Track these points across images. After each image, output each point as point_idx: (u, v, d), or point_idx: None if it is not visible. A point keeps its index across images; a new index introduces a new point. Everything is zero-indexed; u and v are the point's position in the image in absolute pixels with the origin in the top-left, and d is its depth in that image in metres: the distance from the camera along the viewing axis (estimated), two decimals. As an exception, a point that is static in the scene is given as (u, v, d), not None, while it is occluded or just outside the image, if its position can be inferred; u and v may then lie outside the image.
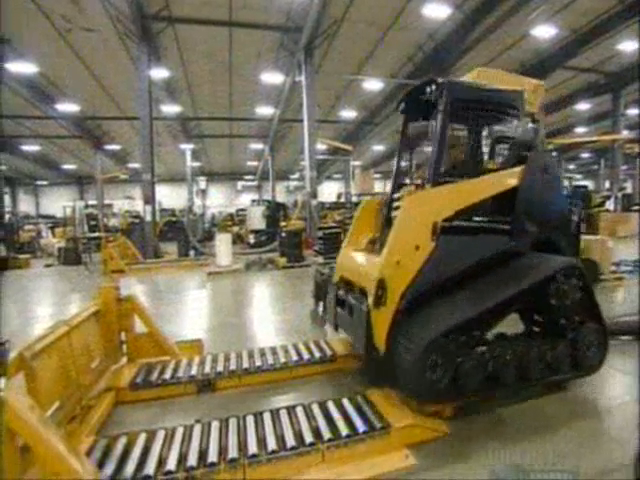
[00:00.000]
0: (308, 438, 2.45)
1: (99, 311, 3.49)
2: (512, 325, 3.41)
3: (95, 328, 3.39)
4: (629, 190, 23.38)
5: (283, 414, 2.74)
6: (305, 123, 13.37)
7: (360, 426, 2.56)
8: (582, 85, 18.82)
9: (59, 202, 24.25)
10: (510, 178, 3.20)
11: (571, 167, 35.74)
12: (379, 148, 27.46)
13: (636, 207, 17.39)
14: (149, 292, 8.53)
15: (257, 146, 26.66)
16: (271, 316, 6.11)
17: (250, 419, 2.68)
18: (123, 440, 2.50)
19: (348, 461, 2.39)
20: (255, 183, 34.81)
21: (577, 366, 3.12)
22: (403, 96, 3.74)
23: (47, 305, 7.74)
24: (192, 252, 13.52)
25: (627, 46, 14.39)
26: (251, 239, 16.91)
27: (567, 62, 15.56)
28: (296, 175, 32.49)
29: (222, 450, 2.36)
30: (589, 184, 31.92)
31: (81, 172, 30.67)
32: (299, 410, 2.78)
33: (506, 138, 3.52)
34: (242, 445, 2.40)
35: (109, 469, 2.23)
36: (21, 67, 13.21)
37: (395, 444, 2.52)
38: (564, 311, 3.04)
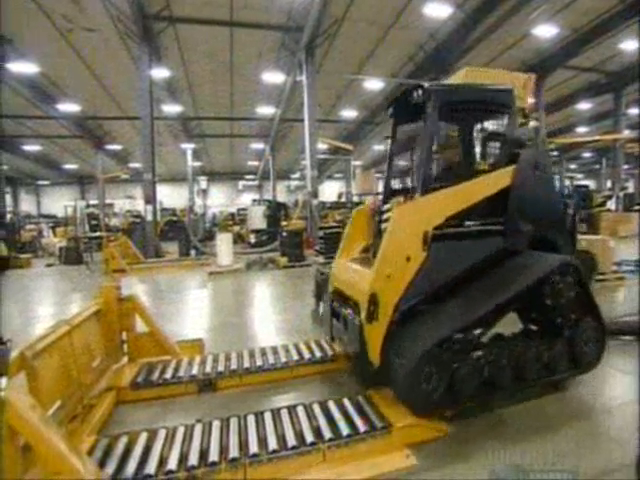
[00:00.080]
0: (309, 438, 2.45)
1: (100, 310, 3.49)
2: (510, 324, 3.40)
3: (96, 327, 3.40)
4: (631, 190, 23.33)
5: (284, 414, 2.74)
6: (306, 123, 13.37)
7: (361, 426, 2.56)
8: (583, 84, 18.80)
9: (60, 202, 24.29)
10: (501, 179, 3.16)
11: (572, 167, 35.67)
12: (380, 148, 27.43)
13: (637, 207, 17.34)
14: (150, 292, 8.54)
15: (258, 146, 26.67)
16: (272, 316, 6.12)
17: (251, 419, 2.68)
18: (124, 439, 2.50)
19: (349, 461, 2.39)
20: (256, 183, 34.81)
21: (575, 363, 3.12)
22: (391, 100, 3.72)
23: (48, 305, 7.75)
24: (193, 252, 13.53)
25: (628, 45, 14.37)
26: (252, 239, 16.93)
27: (568, 61, 15.55)
28: (297, 175, 32.45)
29: (223, 450, 2.37)
30: (590, 184, 31.86)
31: (82, 172, 30.71)
32: (300, 410, 2.78)
33: (497, 136, 3.46)
34: (243, 445, 2.41)
35: (110, 468, 2.23)
36: (22, 67, 13.23)
37: (396, 444, 2.52)
38: (560, 310, 3.03)
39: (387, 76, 16.04)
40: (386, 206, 3.51)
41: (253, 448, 2.36)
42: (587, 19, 13.26)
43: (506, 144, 3.32)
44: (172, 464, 2.24)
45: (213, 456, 2.30)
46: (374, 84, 16.83)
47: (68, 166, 29.74)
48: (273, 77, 15.40)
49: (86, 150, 23.91)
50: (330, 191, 32.64)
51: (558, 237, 3.36)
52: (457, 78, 3.59)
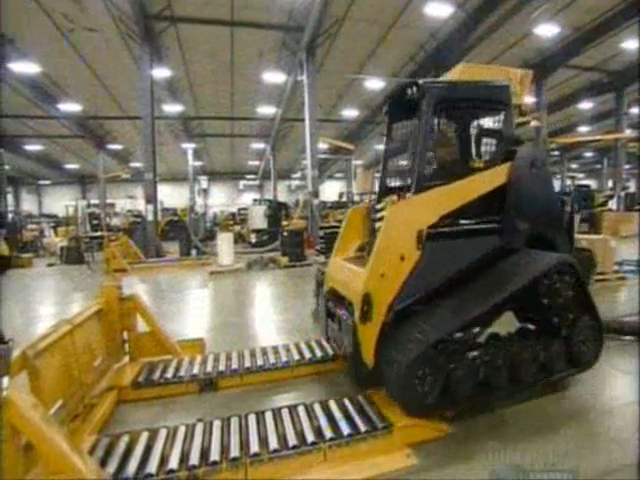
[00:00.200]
0: (310, 437, 2.45)
1: (101, 310, 3.50)
2: (507, 323, 3.39)
3: (97, 327, 3.41)
4: (632, 189, 23.27)
5: (285, 413, 2.74)
6: (307, 122, 13.37)
7: (362, 425, 2.56)
8: (585, 84, 18.76)
9: (62, 201, 24.32)
10: (497, 176, 3.13)
11: (574, 166, 35.62)
12: (381, 147, 27.40)
13: (638, 207, 17.30)
14: (151, 291, 8.55)
15: (259, 145, 26.67)
16: (273, 315, 6.12)
17: (252, 418, 2.68)
18: (125, 439, 2.51)
19: (350, 460, 2.39)
20: (257, 182, 34.83)
21: (572, 363, 3.10)
22: (386, 98, 3.70)
23: (50, 304, 7.77)
24: (194, 251, 13.55)
25: (630, 44, 14.32)
26: (253, 238, 16.94)
27: (570, 61, 15.51)
28: (298, 174, 32.45)
29: (224, 449, 2.37)
30: (592, 183, 31.80)
31: (83, 171, 30.77)
32: (301, 409, 2.78)
33: (493, 133, 3.42)
34: (244, 444, 2.41)
35: (111, 467, 2.24)
36: (24, 67, 13.25)
37: (397, 444, 2.52)
38: (557, 309, 3.01)
39: (388, 76, 16.02)
40: (380, 204, 3.49)
41: (254, 448, 2.36)
42: (589, 18, 13.22)
43: (502, 141, 3.29)
44: (173, 463, 2.24)
45: (214, 455, 2.30)
46: (375, 84, 16.81)
47: (69, 166, 29.80)
48: (274, 77, 15.39)
49: (87, 150, 23.95)
50: (331, 191, 32.65)
51: (555, 235, 3.32)
52: (454, 74, 3.57)
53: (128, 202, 28.45)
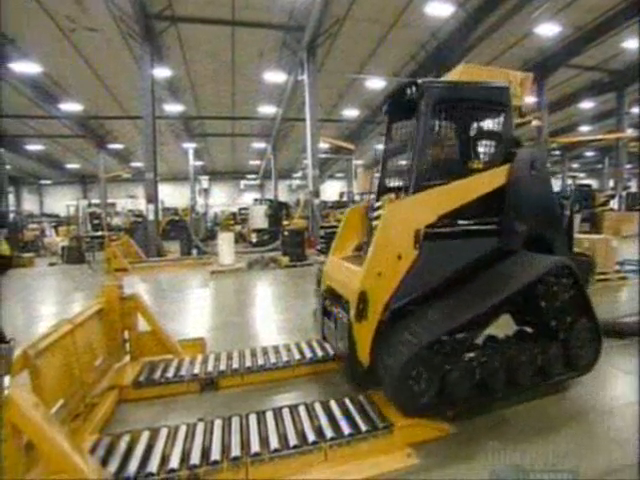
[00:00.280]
0: (311, 437, 2.45)
1: (102, 309, 3.51)
2: (505, 325, 3.38)
3: (98, 326, 3.41)
4: (633, 189, 23.23)
5: (286, 413, 2.74)
6: (307, 122, 13.36)
7: (362, 425, 2.56)
8: (586, 83, 18.73)
9: (63, 201, 24.38)
10: (496, 177, 3.12)
11: (575, 166, 35.56)
12: (381, 147, 27.38)
13: (639, 206, 17.27)
14: (152, 291, 8.56)
15: (259, 145, 26.67)
16: (273, 315, 6.12)
17: (253, 418, 2.69)
18: (126, 438, 2.51)
19: (351, 460, 2.39)
20: (257, 182, 34.84)
21: (570, 366, 3.08)
22: (386, 98, 3.69)
23: (51, 304, 7.78)
24: (195, 251, 13.56)
25: (631, 44, 14.29)
26: (253, 238, 16.95)
27: (571, 60, 15.48)
28: (298, 174, 32.46)
29: (225, 448, 2.37)
30: (593, 183, 31.73)
31: (84, 171, 30.80)
32: (301, 409, 2.78)
33: (493, 134, 3.41)
34: (245, 444, 2.41)
35: (112, 467, 2.24)
36: (25, 67, 13.27)
37: (397, 443, 2.52)
38: (555, 312, 2.98)
39: (389, 75, 16.01)
40: (378, 203, 3.48)
41: (255, 447, 2.37)
42: (590, 17, 13.19)
43: (502, 142, 3.28)
44: (174, 463, 2.24)
45: (215, 455, 2.30)
46: (376, 83, 16.80)
47: (70, 165, 29.83)
48: (275, 76, 15.39)
49: (88, 149, 23.98)
50: (332, 190, 32.64)
51: (554, 237, 3.31)
52: (454, 75, 3.55)
53: (129, 202, 28.44)
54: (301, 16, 11.89)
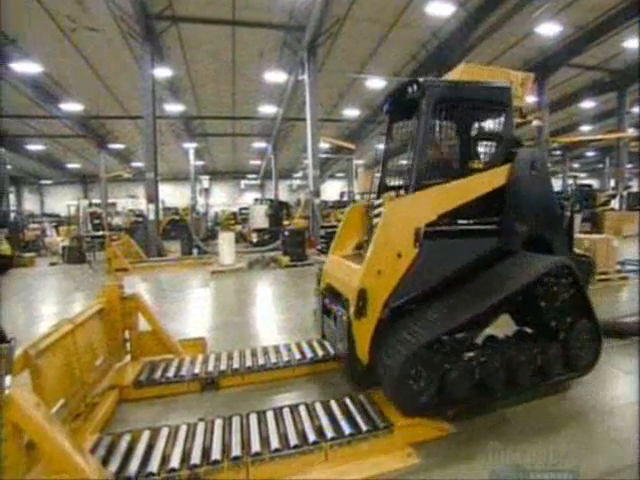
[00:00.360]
0: (311, 437, 2.45)
1: (103, 309, 3.51)
2: (504, 325, 3.38)
3: (99, 326, 3.41)
4: (635, 189, 23.22)
5: (286, 413, 2.74)
6: (308, 122, 13.36)
7: (363, 425, 2.56)
8: (587, 83, 18.70)
9: (63, 201, 24.41)
10: (496, 177, 3.13)
11: (576, 165, 35.51)
12: (382, 147, 27.35)
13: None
14: (153, 290, 8.57)
15: (260, 145, 26.68)
16: (274, 315, 6.13)
17: (253, 417, 2.69)
18: (127, 438, 2.51)
19: (351, 460, 2.39)
20: (258, 182, 34.86)
21: (570, 367, 3.07)
22: (387, 96, 3.68)
23: (52, 303, 7.79)
24: (195, 251, 13.57)
25: (633, 43, 14.25)
26: (254, 238, 16.95)
27: (572, 60, 15.46)
28: (299, 174, 32.46)
29: (225, 448, 2.37)
30: (594, 183, 31.69)
31: (85, 171, 30.82)
32: (302, 409, 2.78)
33: (493, 134, 3.41)
34: (245, 443, 2.41)
35: (113, 466, 2.24)
36: (26, 67, 13.29)
37: (398, 443, 2.52)
38: (554, 312, 2.97)
39: (389, 75, 16.00)
40: (378, 201, 3.48)
41: (255, 447, 2.37)
42: (592, 16, 13.17)
43: (502, 142, 3.28)
44: (175, 462, 2.25)
45: (215, 455, 2.30)
46: (376, 83, 16.79)
47: (71, 165, 29.85)
48: (275, 76, 15.39)
49: (89, 149, 24.00)
50: (332, 190, 32.63)
51: (554, 238, 3.30)
52: (455, 74, 3.55)
53: (130, 201, 28.44)
54: (301, 16, 11.88)
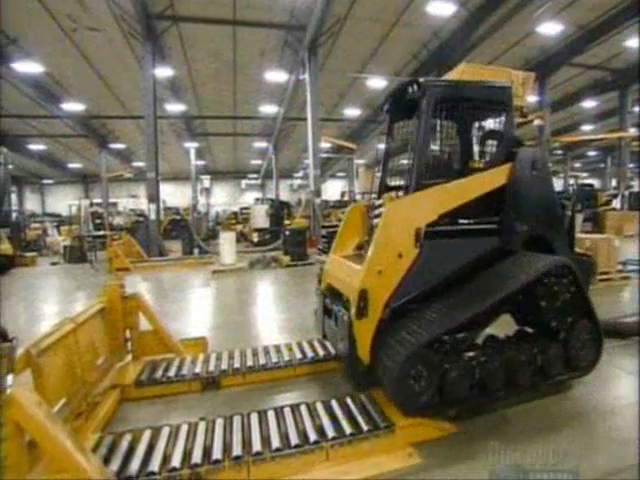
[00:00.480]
0: (312, 436, 2.45)
1: (104, 309, 3.51)
2: (506, 324, 3.37)
3: (100, 326, 3.42)
4: (636, 188, 23.14)
5: (287, 412, 2.74)
6: (309, 121, 13.35)
7: (364, 425, 2.56)
8: (588, 82, 18.66)
9: (65, 201, 24.46)
10: (497, 177, 3.12)
11: (577, 165, 35.45)
12: (383, 146, 27.33)
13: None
14: (154, 290, 8.58)
15: (261, 144, 26.69)
16: (275, 314, 6.13)
17: (254, 417, 2.69)
18: (128, 437, 2.52)
19: (352, 459, 2.39)
20: (259, 182, 34.86)
21: (570, 367, 3.06)
22: (387, 96, 3.68)
23: (53, 303, 7.81)
24: (196, 250, 13.58)
25: (634, 43, 14.21)
26: (255, 237, 16.95)
27: (573, 59, 15.42)
28: (300, 173, 32.48)
29: (226, 447, 2.37)
30: (595, 182, 31.64)
31: (86, 171, 30.87)
32: (303, 408, 2.78)
33: (494, 134, 3.40)
34: (246, 443, 2.41)
35: (114, 465, 2.24)
36: (27, 67, 13.32)
37: (399, 443, 2.52)
38: (555, 312, 2.96)
39: (390, 74, 15.98)
40: (378, 201, 3.48)
41: (256, 446, 2.37)
42: (593, 15, 13.14)
43: (503, 142, 3.27)
44: (176, 462, 2.25)
45: (216, 454, 2.30)
46: (377, 82, 16.78)
47: (72, 165, 29.90)
48: (276, 76, 15.40)
49: (90, 149, 24.05)
50: (333, 190, 32.62)
51: (555, 238, 3.29)
52: (455, 74, 3.55)
53: (131, 201, 28.52)
54: (302, 15, 11.88)
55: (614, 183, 24.27)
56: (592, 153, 32.68)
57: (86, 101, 17.57)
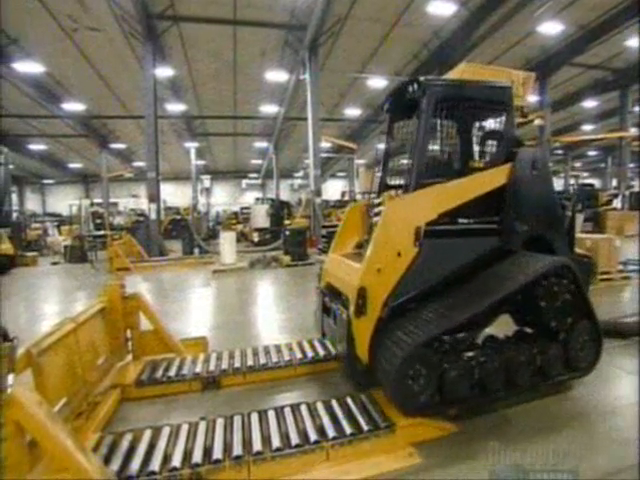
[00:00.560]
0: (312, 436, 2.45)
1: (105, 308, 3.52)
2: (506, 324, 3.37)
3: (101, 325, 3.42)
4: (637, 188, 23.11)
5: (287, 412, 2.74)
6: (309, 121, 13.35)
7: (364, 424, 2.56)
8: (589, 82, 18.64)
9: (65, 200, 24.47)
10: (497, 177, 3.12)
11: (578, 165, 35.42)
12: (383, 146, 27.31)
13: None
14: (154, 290, 8.58)
15: (261, 144, 26.69)
16: (275, 314, 6.13)
17: (254, 417, 2.69)
18: (129, 437, 2.52)
19: (352, 459, 2.39)
20: (259, 181, 34.86)
21: (570, 367, 3.06)
22: (387, 96, 3.68)
23: (54, 302, 7.81)
24: (197, 250, 13.59)
25: (635, 42, 14.19)
26: (255, 237, 16.96)
27: (574, 59, 15.40)
28: (300, 173, 32.47)
29: (227, 447, 2.38)
30: (596, 182, 31.61)
31: (87, 171, 30.90)
32: (303, 408, 2.78)
33: (494, 134, 3.39)
34: (247, 442, 2.42)
35: (115, 465, 2.25)
36: (28, 67, 13.34)
37: (399, 443, 2.52)
38: (554, 312, 2.95)
39: (391, 74, 15.98)
40: (378, 200, 3.47)
41: (257, 446, 2.37)
42: (594, 15, 13.12)
43: (503, 142, 3.27)
44: (176, 461, 2.25)
45: (217, 454, 2.31)
46: (378, 82, 16.77)
47: (73, 165, 29.93)
48: (276, 76, 15.40)
49: (91, 149, 24.07)
50: (333, 190, 32.59)
51: (555, 238, 3.29)
52: (455, 74, 3.55)
53: (131, 201, 28.51)
54: (303, 15, 11.88)
55: (615, 183, 24.24)
56: (593, 153, 32.65)
57: (87, 101, 17.58)
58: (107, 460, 2.28)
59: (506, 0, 11.34)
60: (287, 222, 15.05)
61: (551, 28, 13.40)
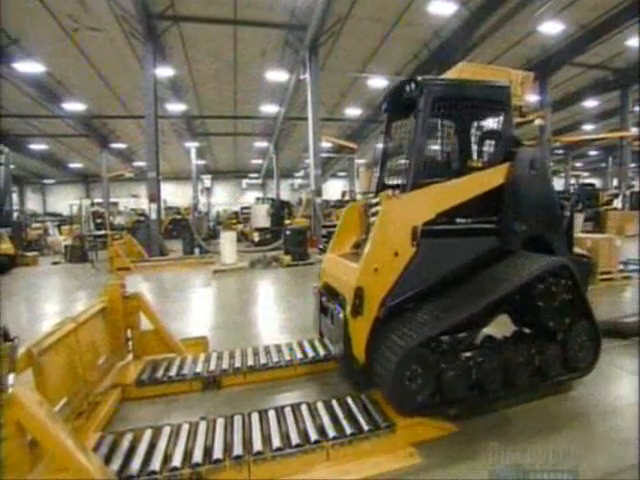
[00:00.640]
0: (313, 436, 2.46)
1: (105, 308, 3.52)
2: (505, 325, 3.37)
3: (101, 325, 3.43)
4: (637, 188, 23.10)
5: (288, 412, 2.75)
6: (310, 121, 13.35)
7: (365, 424, 2.56)
8: (590, 82, 18.61)
9: (66, 200, 24.51)
10: (495, 176, 3.11)
11: (578, 165, 35.39)
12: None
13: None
14: (155, 290, 8.59)
15: (262, 144, 26.68)
16: (276, 314, 6.13)
17: (255, 416, 2.69)
18: (129, 436, 2.52)
19: (353, 459, 2.39)
20: (260, 181, 34.86)
21: (568, 368, 3.05)
22: (385, 95, 3.68)
23: (54, 302, 7.82)
24: (197, 250, 13.60)
25: (636, 42, 14.17)
26: (256, 237, 16.96)
27: (575, 58, 15.39)
28: (300, 173, 32.48)
29: (227, 447, 2.38)
30: (597, 182, 31.59)
31: (87, 170, 30.93)
32: (304, 408, 2.79)
33: (492, 133, 3.38)
34: (247, 442, 2.42)
35: (115, 465, 2.25)
36: (28, 67, 13.35)
37: (400, 442, 2.52)
38: (552, 312, 2.94)
39: (391, 74, 15.97)
40: (375, 199, 3.47)
41: (257, 446, 2.37)
42: (595, 15, 13.11)
43: (502, 141, 3.26)
44: (176, 461, 2.25)
45: (217, 453, 2.31)
46: (378, 82, 16.76)
47: (73, 165, 29.96)
48: (277, 75, 15.39)
49: (91, 149, 24.08)
50: (334, 189, 32.55)
51: (554, 238, 3.28)
52: (453, 73, 3.54)
53: (131, 201, 28.53)
54: (303, 15, 11.87)
55: (615, 183, 24.22)
56: (593, 153, 32.62)
57: (87, 101, 17.59)
58: (108, 460, 2.28)
59: (506, 0, 11.33)
60: (287, 222, 15.07)
61: (551, 28, 13.38)
